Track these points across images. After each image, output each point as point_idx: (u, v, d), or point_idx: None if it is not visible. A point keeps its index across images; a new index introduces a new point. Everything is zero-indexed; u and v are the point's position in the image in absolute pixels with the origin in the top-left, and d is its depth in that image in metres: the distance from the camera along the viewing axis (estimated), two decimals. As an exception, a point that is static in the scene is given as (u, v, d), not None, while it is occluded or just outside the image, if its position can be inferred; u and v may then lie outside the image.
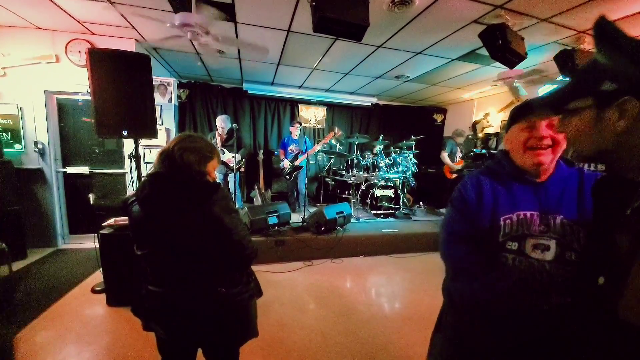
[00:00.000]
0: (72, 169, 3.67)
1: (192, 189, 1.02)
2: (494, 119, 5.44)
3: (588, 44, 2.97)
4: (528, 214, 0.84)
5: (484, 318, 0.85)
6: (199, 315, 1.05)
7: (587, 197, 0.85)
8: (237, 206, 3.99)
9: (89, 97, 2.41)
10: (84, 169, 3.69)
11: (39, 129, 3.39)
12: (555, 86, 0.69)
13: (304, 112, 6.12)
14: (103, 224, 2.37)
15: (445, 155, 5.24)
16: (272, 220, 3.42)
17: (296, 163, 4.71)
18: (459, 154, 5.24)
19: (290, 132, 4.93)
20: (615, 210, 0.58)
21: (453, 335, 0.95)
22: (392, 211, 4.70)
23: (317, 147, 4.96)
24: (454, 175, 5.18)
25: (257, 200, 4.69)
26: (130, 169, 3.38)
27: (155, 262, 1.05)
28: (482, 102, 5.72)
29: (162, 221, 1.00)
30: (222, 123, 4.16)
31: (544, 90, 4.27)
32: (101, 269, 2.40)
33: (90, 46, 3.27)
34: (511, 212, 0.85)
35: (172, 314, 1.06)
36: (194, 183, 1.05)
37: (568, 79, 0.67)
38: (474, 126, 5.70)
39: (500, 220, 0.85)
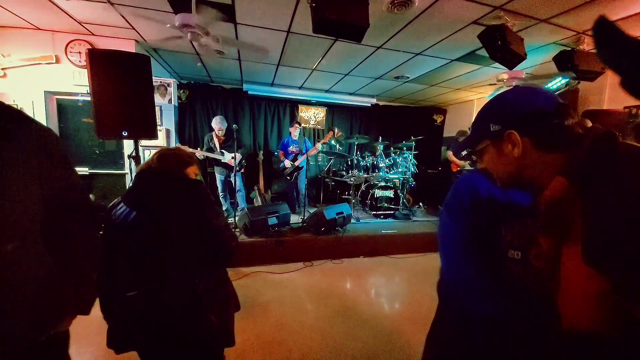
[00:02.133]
0: (72, 170, 3.67)
1: (174, 183, 1.08)
2: (494, 120, 5.44)
3: (587, 45, 2.98)
4: (527, 220, 0.79)
5: (490, 332, 0.79)
6: (173, 312, 1.03)
7: None
8: (242, 206, 4.01)
9: (89, 98, 2.41)
10: (84, 170, 3.69)
11: (38, 129, 3.39)
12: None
13: (304, 112, 6.13)
14: (103, 225, 2.36)
15: (450, 154, 5.25)
16: (272, 220, 3.42)
17: (296, 163, 4.71)
18: (464, 152, 5.24)
19: (290, 133, 4.93)
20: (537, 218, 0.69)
21: (449, 345, 0.91)
22: (392, 212, 4.70)
23: (317, 146, 4.97)
24: (459, 168, 5.21)
25: (257, 201, 4.69)
26: (130, 170, 3.38)
27: (134, 262, 1.04)
28: (482, 102, 5.72)
29: (146, 214, 1.03)
30: (218, 125, 4.12)
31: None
32: (101, 270, 2.40)
33: (90, 47, 3.27)
34: (511, 219, 0.80)
35: (150, 316, 1.03)
36: (176, 178, 1.11)
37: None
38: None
39: (500, 228, 0.80)
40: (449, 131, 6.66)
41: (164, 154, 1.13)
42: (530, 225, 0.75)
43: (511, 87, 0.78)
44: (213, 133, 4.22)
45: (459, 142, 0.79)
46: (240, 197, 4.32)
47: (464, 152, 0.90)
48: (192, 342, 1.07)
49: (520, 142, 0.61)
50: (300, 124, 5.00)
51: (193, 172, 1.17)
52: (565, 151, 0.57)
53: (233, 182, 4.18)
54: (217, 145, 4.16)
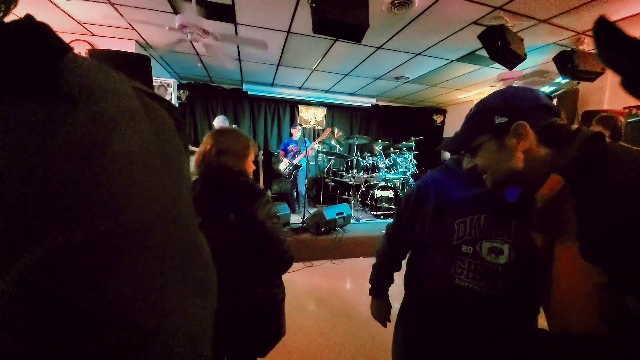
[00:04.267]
0: (71, 170, 3.67)
1: (237, 192, 1.05)
2: (494, 120, 5.45)
3: (587, 45, 2.98)
4: (482, 217, 0.83)
5: (431, 310, 0.91)
6: (236, 320, 1.05)
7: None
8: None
9: (89, 98, 2.41)
10: (83, 170, 3.69)
11: (38, 129, 3.39)
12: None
13: (304, 113, 6.13)
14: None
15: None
16: (272, 221, 3.42)
17: (295, 162, 4.70)
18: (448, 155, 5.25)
19: (291, 134, 4.93)
20: (530, 215, 0.69)
21: (411, 328, 1.00)
22: (392, 212, 4.69)
23: (315, 144, 4.96)
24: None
25: (257, 201, 4.68)
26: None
27: None
28: (482, 103, 5.73)
29: (208, 223, 0.99)
30: (220, 124, 4.12)
31: (544, 90, 4.28)
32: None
33: (90, 47, 3.28)
34: (465, 215, 0.84)
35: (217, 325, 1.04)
36: (239, 186, 1.06)
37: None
38: (473, 127, 5.71)
39: (454, 224, 0.84)
40: (449, 131, 6.67)
41: (220, 151, 1.05)
42: (518, 223, 0.79)
43: (507, 87, 0.79)
44: None
45: (448, 142, 0.81)
46: None
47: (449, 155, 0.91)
48: (256, 348, 1.15)
49: (530, 134, 0.59)
50: (302, 126, 4.99)
51: (251, 161, 1.14)
52: (555, 149, 0.58)
53: None
54: None
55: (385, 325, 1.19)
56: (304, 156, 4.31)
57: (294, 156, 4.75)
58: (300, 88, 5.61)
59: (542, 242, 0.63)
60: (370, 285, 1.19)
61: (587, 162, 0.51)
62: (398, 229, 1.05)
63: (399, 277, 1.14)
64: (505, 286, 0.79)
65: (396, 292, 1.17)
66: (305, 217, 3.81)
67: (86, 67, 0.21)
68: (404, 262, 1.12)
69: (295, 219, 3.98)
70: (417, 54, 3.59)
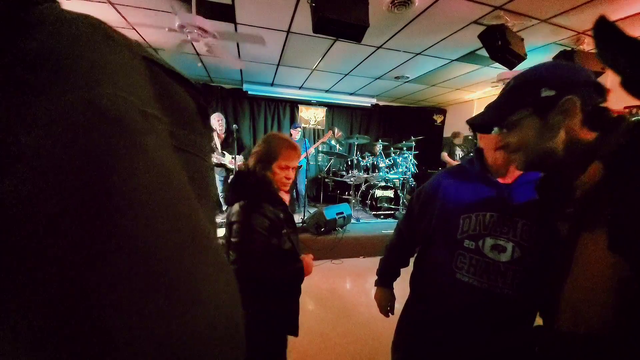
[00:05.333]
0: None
1: (237, 193, 1.09)
2: (494, 120, 5.44)
3: (587, 45, 2.98)
4: (487, 214, 0.84)
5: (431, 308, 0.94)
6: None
7: None
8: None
9: (88, 98, 2.40)
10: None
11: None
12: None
13: (304, 112, 6.13)
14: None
15: (445, 155, 5.26)
16: (272, 221, 3.42)
17: None
18: (459, 153, 5.25)
19: (291, 135, 4.92)
20: (558, 203, 0.64)
21: (414, 322, 1.04)
22: (392, 212, 4.70)
23: (315, 145, 4.96)
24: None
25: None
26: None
27: None
28: (482, 102, 5.72)
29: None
30: (219, 117, 4.09)
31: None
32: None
33: (90, 47, 3.27)
34: (471, 211, 0.86)
35: None
36: (243, 187, 1.08)
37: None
38: (473, 127, 5.71)
39: (459, 219, 0.87)
40: (449, 131, 6.66)
41: (252, 153, 1.13)
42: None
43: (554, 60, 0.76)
44: (214, 133, 4.20)
45: (480, 115, 0.73)
46: None
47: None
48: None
49: (578, 113, 0.53)
50: (302, 127, 4.98)
51: (277, 167, 1.09)
52: (601, 135, 0.53)
53: None
54: (219, 145, 4.15)
55: (387, 315, 1.21)
56: (304, 157, 4.30)
57: None
58: (300, 88, 5.60)
59: (569, 232, 0.59)
60: (376, 278, 1.22)
61: (633, 151, 0.47)
62: (407, 222, 1.09)
63: (405, 274, 1.16)
64: (505, 284, 0.79)
65: (401, 294, 1.18)
66: (305, 217, 3.81)
67: (64, 24, 0.15)
68: (412, 261, 1.14)
69: (295, 219, 3.97)
70: (417, 54, 3.59)
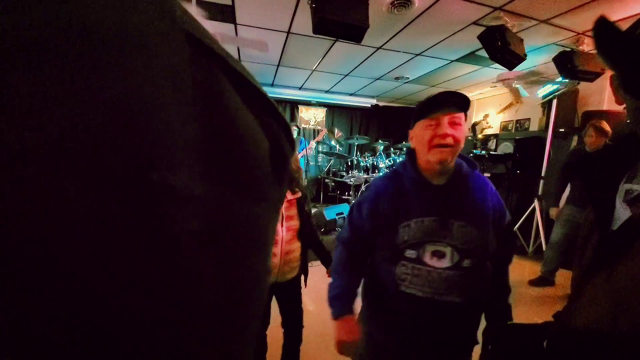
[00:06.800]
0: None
1: None
2: (494, 120, 5.45)
3: (587, 46, 2.98)
4: (426, 220, 0.80)
5: (382, 313, 0.89)
6: None
7: (491, 201, 0.84)
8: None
9: (88, 99, 2.41)
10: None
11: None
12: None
13: (304, 113, 6.13)
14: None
15: None
16: (272, 221, 3.42)
17: None
18: None
19: None
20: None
21: (366, 329, 0.94)
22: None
23: (312, 143, 4.96)
24: None
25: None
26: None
27: None
28: (482, 103, 5.73)
29: None
30: None
31: (544, 90, 4.28)
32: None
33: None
34: (409, 219, 0.81)
35: None
36: None
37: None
38: (473, 127, 5.71)
39: (398, 228, 0.82)
40: (449, 132, 6.67)
41: None
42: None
43: None
44: None
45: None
46: None
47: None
48: None
49: None
50: (297, 127, 5.00)
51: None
52: None
53: None
54: None
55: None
56: (302, 156, 4.30)
57: None
58: (300, 88, 5.61)
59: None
60: (334, 308, 0.91)
61: None
62: (352, 235, 0.96)
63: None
64: (447, 290, 0.77)
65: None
66: (305, 218, 3.81)
67: None
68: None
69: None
70: (417, 55, 3.59)
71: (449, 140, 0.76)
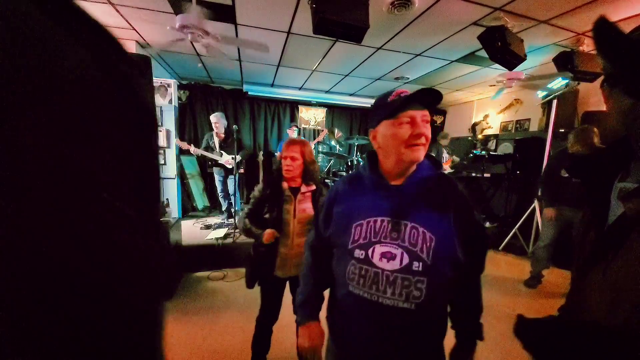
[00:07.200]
0: (71, 170, 3.66)
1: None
2: (494, 121, 5.45)
3: (587, 46, 2.98)
4: (379, 220, 0.77)
5: (338, 313, 0.87)
6: None
7: (455, 203, 0.79)
8: (235, 208, 3.99)
9: (89, 98, 2.40)
10: (83, 170, 3.68)
11: (39, 130, 3.38)
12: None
13: (304, 113, 6.13)
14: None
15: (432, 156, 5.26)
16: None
17: None
18: (445, 155, 5.23)
19: (288, 134, 4.94)
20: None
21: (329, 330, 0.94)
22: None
23: (312, 144, 4.96)
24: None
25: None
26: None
27: None
28: (482, 103, 5.73)
29: None
30: (216, 119, 4.06)
31: (544, 91, 4.28)
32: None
33: (90, 47, 3.27)
34: (363, 218, 0.79)
35: None
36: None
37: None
38: (473, 128, 5.71)
39: (352, 228, 0.80)
40: (449, 132, 6.66)
41: None
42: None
43: None
44: (214, 132, 4.19)
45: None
46: (235, 200, 4.28)
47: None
48: None
49: None
50: (297, 127, 5.00)
51: (280, 157, 1.54)
52: None
53: (229, 185, 4.17)
54: (217, 145, 4.13)
55: None
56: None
57: None
58: (300, 89, 5.61)
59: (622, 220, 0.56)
60: (301, 314, 0.94)
61: None
62: (316, 239, 0.98)
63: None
64: (394, 294, 0.73)
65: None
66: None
67: None
68: None
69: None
70: (417, 55, 3.59)
71: (424, 140, 0.75)
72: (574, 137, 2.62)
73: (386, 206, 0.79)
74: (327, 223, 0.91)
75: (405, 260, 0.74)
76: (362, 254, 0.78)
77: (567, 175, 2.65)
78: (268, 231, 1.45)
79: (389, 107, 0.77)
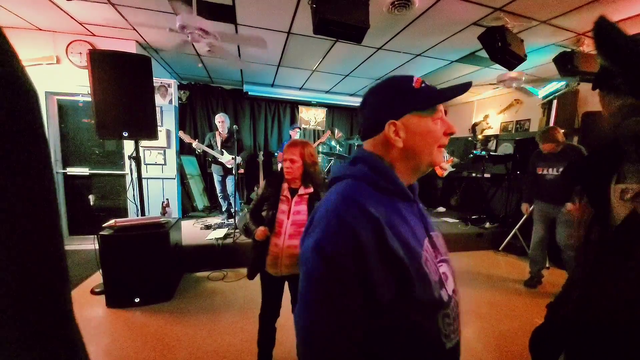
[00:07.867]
0: (72, 170, 3.67)
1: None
2: (494, 121, 5.45)
3: (587, 46, 2.98)
4: (425, 241, 0.58)
5: None
6: None
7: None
8: (235, 208, 3.98)
9: (89, 99, 2.41)
10: (84, 170, 3.69)
11: (39, 130, 3.39)
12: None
13: (304, 113, 6.13)
14: (103, 225, 2.37)
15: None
16: (272, 221, 3.41)
17: None
18: (445, 155, 5.25)
19: (290, 136, 4.93)
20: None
21: None
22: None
23: (314, 146, 4.95)
24: (445, 173, 5.24)
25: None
26: (131, 170, 3.38)
27: None
28: (482, 103, 5.73)
29: None
30: (223, 118, 4.08)
31: (544, 91, 4.28)
32: (101, 270, 2.40)
33: (91, 47, 3.28)
34: (421, 247, 0.56)
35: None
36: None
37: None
38: (473, 128, 5.71)
39: (423, 267, 0.53)
40: (449, 132, 6.67)
41: None
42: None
43: None
44: (216, 132, 4.20)
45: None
46: (235, 200, 4.28)
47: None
48: None
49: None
50: (300, 128, 4.99)
51: (281, 158, 1.45)
52: None
53: (228, 185, 4.18)
54: (219, 144, 4.14)
55: None
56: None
57: None
58: (300, 89, 5.61)
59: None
60: None
61: None
62: (350, 298, 0.50)
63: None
64: (456, 322, 0.60)
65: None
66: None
67: None
68: None
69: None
70: (418, 55, 3.59)
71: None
72: (539, 138, 2.74)
73: (417, 221, 0.60)
74: (390, 279, 0.51)
75: (451, 275, 0.60)
76: (446, 296, 0.56)
77: (542, 173, 2.79)
78: (260, 228, 1.51)
79: (421, 95, 0.59)
